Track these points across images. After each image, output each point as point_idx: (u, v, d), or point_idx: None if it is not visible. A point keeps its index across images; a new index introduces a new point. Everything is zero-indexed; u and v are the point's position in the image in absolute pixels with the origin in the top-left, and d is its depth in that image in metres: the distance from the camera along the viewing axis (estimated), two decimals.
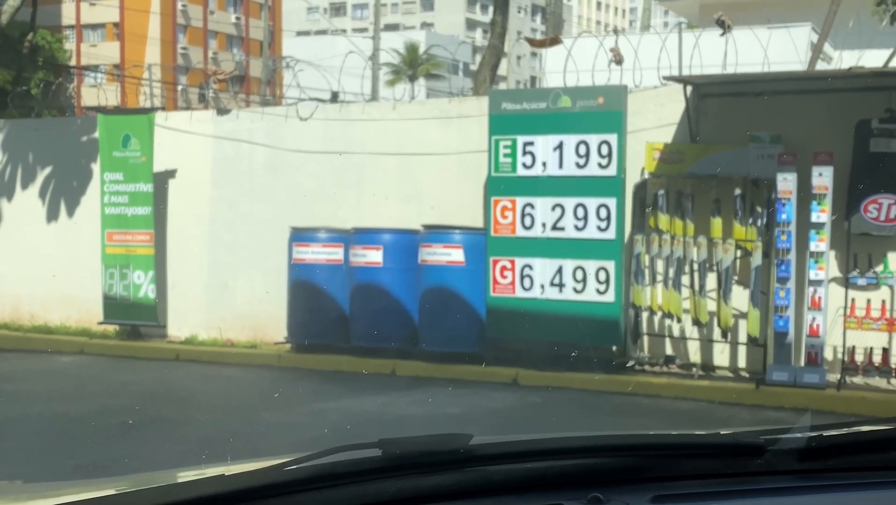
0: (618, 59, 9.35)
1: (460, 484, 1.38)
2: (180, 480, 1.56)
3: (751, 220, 8.62)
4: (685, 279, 8.89)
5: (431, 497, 1.35)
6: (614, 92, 9.02)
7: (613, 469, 1.47)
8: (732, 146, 8.78)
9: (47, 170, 12.12)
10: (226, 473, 1.38)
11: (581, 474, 1.44)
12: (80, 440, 7.09)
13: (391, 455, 1.34)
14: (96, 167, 11.47)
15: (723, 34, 9.28)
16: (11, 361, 10.34)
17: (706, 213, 8.78)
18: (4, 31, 12.08)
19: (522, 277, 9.26)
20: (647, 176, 9.10)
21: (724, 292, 8.67)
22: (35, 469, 5.92)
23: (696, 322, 8.87)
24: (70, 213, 11.94)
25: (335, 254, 10.02)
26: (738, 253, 8.71)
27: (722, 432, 1.66)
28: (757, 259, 8.57)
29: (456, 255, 9.46)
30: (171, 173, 11.33)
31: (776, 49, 9.62)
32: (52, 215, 12.04)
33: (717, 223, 8.75)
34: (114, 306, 11.14)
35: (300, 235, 10.18)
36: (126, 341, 11.06)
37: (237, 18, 59.24)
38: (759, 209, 8.61)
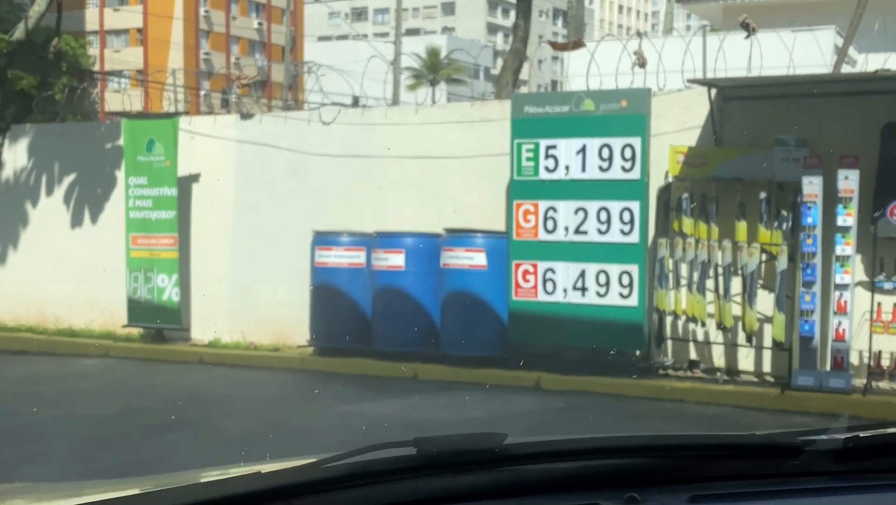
0: (641, 62, 9.31)
1: (495, 483, 1.38)
2: (215, 479, 1.57)
3: (776, 224, 8.56)
4: (709, 283, 8.84)
5: (466, 496, 1.34)
6: (638, 95, 8.98)
7: (650, 469, 1.46)
8: (757, 149, 8.72)
9: (72, 174, 12.21)
10: (262, 471, 1.38)
11: (617, 474, 1.43)
12: (106, 443, 7.12)
13: (426, 454, 1.33)
14: (121, 171, 11.56)
15: (747, 37, 9.23)
16: (37, 364, 10.42)
17: (731, 217, 8.72)
18: (29, 36, 12.19)
19: (545, 281, 9.23)
20: (670, 179, 9.05)
21: (748, 296, 8.61)
22: (61, 471, 5.96)
23: (721, 326, 8.81)
24: (95, 217, 12.02)
25: (357, 257, 10.03)
26: (763, 257, 8.65)
27: (757, 433, 1.65)
28: (782, 263, 8.51)
29: (478, 258, 9.45)
30: (194, 177, 11.39)
31: (801, 52, 9.55)
32: (77, 219, 12.13)
33: (741, 227, 8.69)
34: (138, 310, 11.21)
35: (323, 239, 10.20)
36: (150, 344, 11.12)
37: (259, 24, 59.52)
38: (784, 213, 8.55)
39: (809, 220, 8.28)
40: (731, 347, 9.09)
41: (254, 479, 1.35)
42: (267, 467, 1.45)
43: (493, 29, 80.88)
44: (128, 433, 7.41)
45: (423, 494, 1.33)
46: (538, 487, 1.40)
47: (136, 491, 1.50)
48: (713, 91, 9.04)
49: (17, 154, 12.49)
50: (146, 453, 6.70)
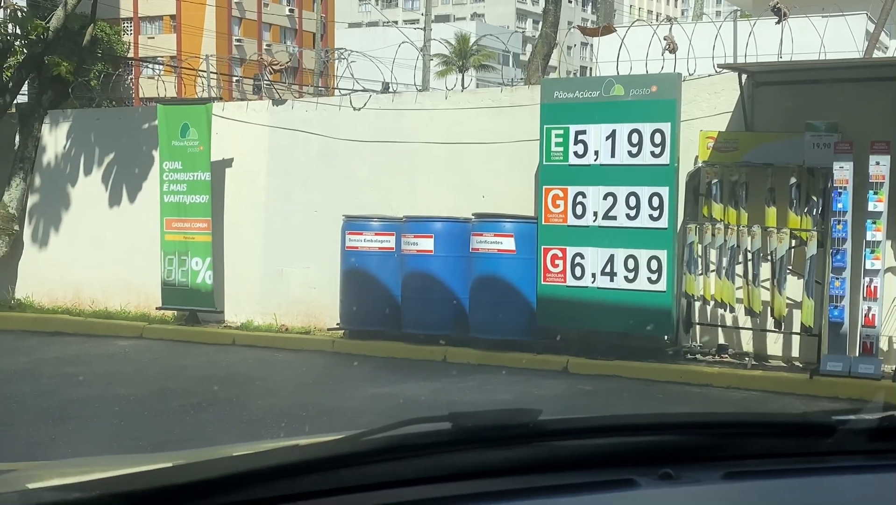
0: (672, 48, 9.30)
1: (529, 458, 1.39)
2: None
3: (806, 210, 8.55)
4: (738, 269, 8.85)
5: (500, 471, 1.36)
6: (668, 80, 8.98)
7: (684, 447, 1.47)
8: (788, 135, 8.70)
9: (108, 159, 12.39)
10: (299, 444, 1.41)
11: (651, 451, 1.44)
12: (141, 422, 7.26)
13: (461, 428, 1.35)
14: (155, 156, 11.71)
15: (778, 22, 9.20)
16: (73, 345, 10.59)
17: (760, 202, 8.72)
18: (66, 23, 12.36)
19: (573, 266, 9.28)
20: (700, 165, 9.06)
21: (778, 282, 8.61)
22: (97, 450, 6.07)
23: (750, 312, 8.82)
24: (130, 200, 12.19)
25: (387, 242, 10.12)
26: (793, 242, 8.64)
27: (791, 413, 1.67)
28: (812, 248, 8.50)
29: (507, 243, 9.50)
30: (227, 162, 11.52)
31: (832, 37, 9.51)
32: (113, 203, 12.31)
33: (771, 212, 8.68)
34: (172, 292, 11.37)
35: (353, 224, 10.30)
36: (184, 326, 11.27)
37: (290, 10, 59.69)
38: (814, 198, 8.53)
39: (840, 205, 8.26)
40: (759, 333, 9.09)
41: (292, 451, 1.38)
42: (304, 441, 1.49)
43: (522, 15, 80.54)
44: (163, 412, 7.56)
45: (458, 467, 1.34)
46: (572, 462, 1.40)
47: (172, 464, 1.55)
48: (744, 76, 9.02)
49: (55, 139, 12.69)
50: (181, 432, 6.83)
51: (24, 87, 13.19)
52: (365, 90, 11.40)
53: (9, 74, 12.48)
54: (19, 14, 12.70)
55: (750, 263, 8.75)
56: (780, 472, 1.46)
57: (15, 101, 12.86)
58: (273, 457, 1.36)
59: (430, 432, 1.37)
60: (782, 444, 1.52)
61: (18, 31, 12.43)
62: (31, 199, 12.71)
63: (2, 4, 12.82)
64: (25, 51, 12.49)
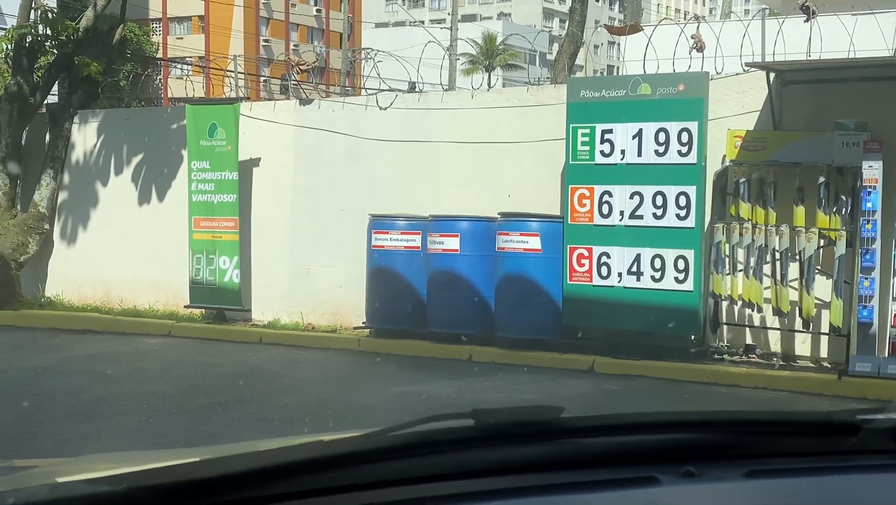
0: (699, 46, 9.25)
1: (552, 455, 1.39)
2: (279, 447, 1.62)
3: (834, 209, 8.48)
4: (766, 268, 8.79)
5: (523, 467, 1.36)
6: (695, 79, 8.94)
7: (707, 444, 1.47)
8: (816, 133, 8.64)
9: (137, 158, 12.50)
10: (324, 440, 1.42)
11: (674, 449, 1.44)
12: (168, 419, 7.32)
13: (484, 425, 1.35)
14: (184, 155, 11.80)
15: (807, 20, 9.13)
16: (102, 343, 10.69)
17: (789, 202, 8.66)
18: (95, 23, 12.49)
19: (600, 266, 9.25)
20: (728, 164, 9.01)
21: (806, 282, 8.55)
22: (125, 446, 6.13)
23: (778, 312, 8.75)
24: (159, 199, 12.29)
25: (413, 241, 10.14)
26: (822, 242, 8.57)
27: (815, 411, 1.66)
28: (841, 248, 8.42)
29: (533, 242, 9.50)
30: (255, 161, 11.60)
31: (861, 36, 9.40)
32: (142, 202, 12.42)
33: (799, 212, 8.62)
34: (200, 290, 11.46)
35: (379, 223, 10.33)
36: (211, 324, 11.35)
37: (318, 11, 59.92)
38: (843, 197, 8.46)
39: (869, 204, 8.18)
40: (787, 333, 9.03)
41: (317, 446, 1.39)
42: (328, 438, 1.49)
43: (549, 14, 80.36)
44: (190, 410, 7.62)
45: (481, 464, 1.35)
46: (595, 459, 1.41)
47: (199, 459, 1.58)
48: (772, 75, 8.96)
49: (84, 139, 12.82)
50: (208, 429, 6.88)
51: (54, 87, 13.33)
52: (391, 90, 11.42)
53: (39, 75, 12.62)
54: (50, 15, 12.84)
55: (778, 263, 8.69)
56: (804, 470, 1.45)
57: (45, 101, 13.01)
58: (298, 452, 1.38)
59: (454, 429, 1.37)
60: (806, 442, 1.51)
61: (49, 31, 12.56)
62: (61, 198, 12.86)
63: (33, 5, 12.96)
64: (56, 51, 12.63)
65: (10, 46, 12.40)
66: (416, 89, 11.21)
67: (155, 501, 1.18)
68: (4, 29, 16.15)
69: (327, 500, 1.26)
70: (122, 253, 12.35)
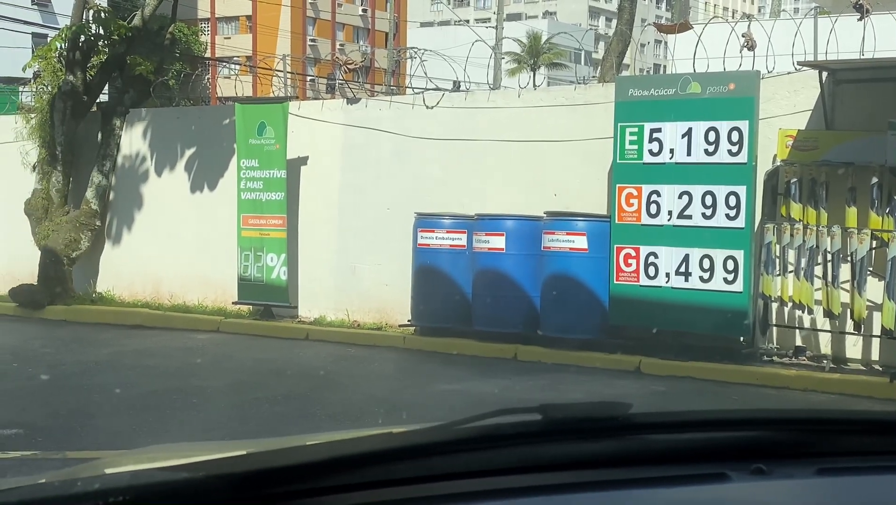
0: (750, 45, 9.16)
1: (619, 451, 1.39)
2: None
3: (887, 210, 8.34)
4: (817, 270, 8.67)
5: (589, 463, 1.36)
6: (746, 78, 8.84)
7: (775, 442, 1.46)
8: (869, 133, 8.50)
9: (187, 156, 12.65)
10: (394, 432, 1.43)
11: (743, 446, 1.43)
12: (217, 414, 7.42)
13: (552, 420, 1.36)
14: (233, 154, 11.92)
15: (860, 19, 8.99)
16: (153, 338, 10.84)
17: (840, 202, 8.53)
18: (146, 23, 12.66)
19: (647, 266, 9.19)
20: (779, 163, 8.90)
21: (858, 283, 8.42)
22: (175, 439, 6.20)
23: (829, 313, 8.63)
24: (208, 197, 12.42)
25: (459, 239, 10.15)
26: (874, 243, 8.43)
27: (885, 410, 1.64)
28: (893, 250, 8.28)
29: (579, 242, 9.46)
30: (302, 160, 11.68)
31: None
32: (192, 199, 12.56)
33: (851, 213, 8.49)
34: (248, 287, 11.57)
35: (425, 221, 10.35)
36: (259, 321, 11.46)
37: (363, 10, 60.24)
38: None
39: None
40: (838, 335, 8.90)
41: (387, 437, 1.41)
42: (397, 430, 1.51)
43: (595, 13, 79.95)
44: (238, 405, 7.71)
45: (548, 459, 1.35)
46: (662, 456, 1.40)
47: (252, 450, 1.58)
48: (824, 74, 8.83)
49: (135, 137, 13.01)
50: (256, 424, 6.95)
51: (105, 86, 13.53)
52: (438, 89, 11.44)
53: (92, 74, 12.82)
54: (103, 14, 13.04)
55: (829, 264, 8.57)
56: (875, 469, 1.44)
57: (97, 100, 13.22)
58: (370, 443, 1.39)
59: (521, 423, 1.37)
60: (876, 442, 1.50)
61: (101, 31, 12.76)
62: (112, 195, 13.05)
63: (86, 5, 13.17)
64: (108, 50, 12.82)
65: (64, 45, 12.61)
66: (462, 88, 11.22)
67: (231, 488, 1.20)
68: (58, 29, 16.45)
69: (396, 490, 1.27)
70: (171, 249, 12.51)
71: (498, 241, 9.85)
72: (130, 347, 10.25)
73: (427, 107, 11.06)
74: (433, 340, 10.15)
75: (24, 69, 13.86)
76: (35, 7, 36.13)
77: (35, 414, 7.00)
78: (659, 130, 9.08)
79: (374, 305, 11.15)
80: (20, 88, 15.93)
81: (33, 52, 15.69)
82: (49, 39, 13.97)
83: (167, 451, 2.01)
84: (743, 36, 9.23)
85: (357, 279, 11.38)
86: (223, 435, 6.45)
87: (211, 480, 1.20)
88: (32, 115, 13.18)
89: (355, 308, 11.25)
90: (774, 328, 9.16)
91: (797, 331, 9.11)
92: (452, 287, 10.12)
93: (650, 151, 9.13)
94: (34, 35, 28.79)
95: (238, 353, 10.08)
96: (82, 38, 12.59)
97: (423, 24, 63.65)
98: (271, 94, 15.56)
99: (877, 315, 8.54)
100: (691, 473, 1.37)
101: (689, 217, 8.97)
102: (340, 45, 52.68)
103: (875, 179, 8.35)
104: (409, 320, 10.56)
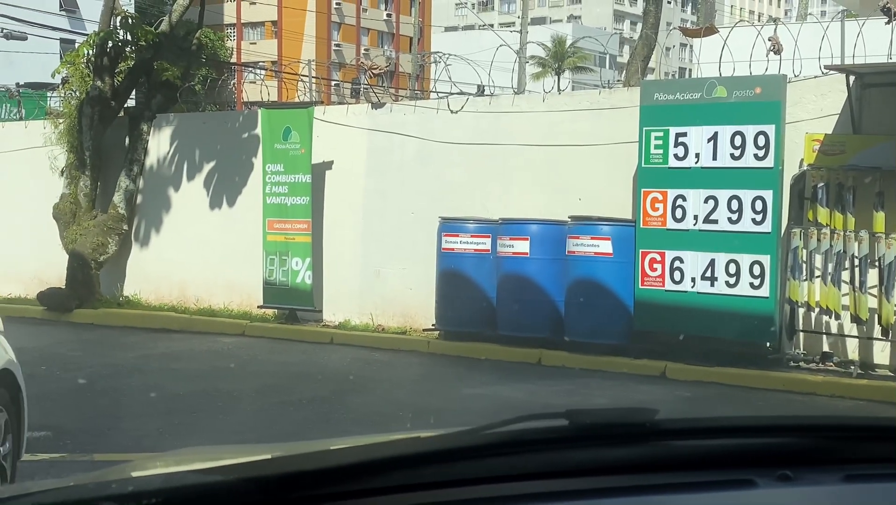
0: (777, 49, 9.10)
1: (645, 457, 1.39)
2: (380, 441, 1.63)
3: None
4: (844, 275, 8.60)
5: (616, 468, 1.36)
6: (772, 82, 8.79)
7: (802, 449, 1.45)
8: None
9: (213, 161, 12.73)
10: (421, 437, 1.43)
11: (770, 452, 1.42)
12: (243, 417, 7.45)
13: (579, 425, 1.36)
14: (258, 159, 11.98)
15: (888, 22, 8.91)
16: (179, 342, 10.90)
17: (868, 207, 8.46)
18: (173, 29, 12.76)
19: (672, 270, 9.15)
20: (805, 168, 8.84)
21: (885, 289, 8.34)
22: (201, 442, 6.23)
23: (856, 319, 8.56)
24: (233, 202, 12.50)
25: (483, 244, 10.14)
26: None
27: None
28: None
29: (604, 246, 9.43)
30: (327, 164, 11.73)
31: None
32: (217, 204, 12.63)
33: (879, 217, 8.42)
34: (273, 291, 11.62)
35: (449, 225, 10.36)
36: (284, 324, 11.50)
37: (388, 15, 60.42)
38: None
39: None
40: (865, 341, 8.82)
41: (414, 442, 1.40)
42: (424, 434, 1.50)
43: (619, 16, 79.73)
44: (263, 408, 7.74)
45: (574, 464, 1.35)
46: (689, 462, 1.40)
47: (280, 454, 1.59)
48: (852, 78, 8.77)
49: (162, 142, 13.11)
50: (281, 427, 6.97)
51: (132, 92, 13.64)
52: (462, 93, 11.46)
53: (119, 79, 12.93)
54: (130, 21, 13.15)
55: (856, 269, 8.50)
56: None
57: (124, 105, 13.33)
58: (397, 448, 1.40)
59: (548, 428, 1.38)
60: None
61: (129, 37, 12.87)
62: (139, 200, 13.16)
63: (113, 11, 13.29)
64: (135, 56, 12.93)
65: (92, 51, 12.73)
66: (486, 93, 11.22)
67: (261, 491, 1.21)
68: (85, 34, 16.61)
69: (423, 494, 1.28)
70: (197, 254, 12.59)
71: (522, 246, 9.84)
72: (157, 351, 10.32)
73: (451, 111, 11.07)
74: (457, 345, 10.15)
75: (52, 75, 13.99)
76: (63, 13, 36.51)
77: (63, 417, 7.05)
78: (684, 134, 9.05)
79: (399, 309, 11.17)
80: (49, 94, 16.10)
81: (61, 57, 15.84)
82: (77, 45, 14.08)
83: (196, 454, 2.02)
84: (769, 39, 9.18)
85: (381, 283, 11.40)
86: (249, 439, 6.47)
87: (242, 482, 1.22)
88: (61, 121, 13.31)
89: (379, 312, 11.28)
90: (801, 334, 9.09)
91: (824, 336, 9.04)
92: (477, 291, 10.11)
93: (675, 156, 9.09)
94: (62, 41, 29.10)
95: (263, 356, 10.13)
96: (110, 43, 12.70)
97: (447, 29, 63.70)
98: (296, 99, 15.63)
99: None
100: (717, 480, 1.37)
101: (715, 222, 8.93)
102: (365, 49, 52.86)
103: None
104: (433, 325, 10.56)
